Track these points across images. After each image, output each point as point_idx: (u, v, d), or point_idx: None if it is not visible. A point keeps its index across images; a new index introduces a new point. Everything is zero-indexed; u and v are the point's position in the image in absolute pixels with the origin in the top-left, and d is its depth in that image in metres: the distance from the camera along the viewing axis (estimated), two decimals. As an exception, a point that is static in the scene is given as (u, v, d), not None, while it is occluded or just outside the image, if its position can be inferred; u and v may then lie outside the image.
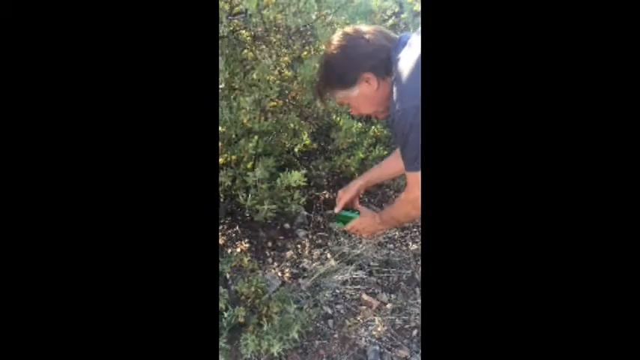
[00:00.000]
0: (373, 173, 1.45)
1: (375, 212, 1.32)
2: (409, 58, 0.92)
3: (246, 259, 1.38)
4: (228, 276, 1.36)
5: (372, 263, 1.73)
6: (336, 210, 1.38)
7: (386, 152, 2.09)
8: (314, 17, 1.54)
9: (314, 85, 1.16)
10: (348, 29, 1.04)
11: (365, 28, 1.04)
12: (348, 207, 1.39)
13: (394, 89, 0.95)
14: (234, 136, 1.49)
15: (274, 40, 1.67)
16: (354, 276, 1.62)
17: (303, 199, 1.41)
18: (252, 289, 1.26)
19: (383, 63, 1.00)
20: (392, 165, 1.38)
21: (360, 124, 1.80)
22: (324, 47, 1.10)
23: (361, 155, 1.80)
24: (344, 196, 1.38)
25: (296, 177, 1.21)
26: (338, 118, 1.91)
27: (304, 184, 1.28)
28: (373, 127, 2.09)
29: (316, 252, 1.80)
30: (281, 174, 1.34)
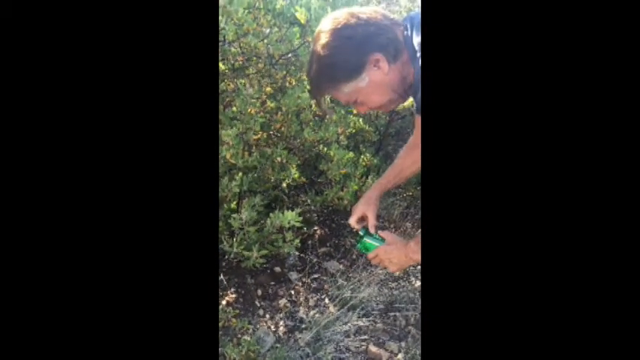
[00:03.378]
0: (389, 177, 1.20)
1: (404, 241, 1.06)
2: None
3: (234, 319, 1.18)
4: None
5: (375, 307, 1.55)
6: (350, 221, 1.13)
7: (380, 182, 1.98)
8: (297, 44, 1.45)
9: (311, 88, 0.90)
10: (340, 13, 0.84)
11: (359, 9, 0.85)
12: (366, 228, 1.11)
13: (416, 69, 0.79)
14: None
15: (255, 70, 1.56)
16: (358, 324, 1.43)
17: (297, 241, 1.24)
18: (244, 352, 1.05)
19: (391, 42, 0.83)
20: (408, 161, 1.12)
21: (351, 154, 1.67)
22: (313, 41, 0.86)
23: (355, 187, 1.66)
24: (358, 209, 1.14)
25: (290, 217, 1.05)
26: (325, 149, 1.79)
27: (299, 224, 1.12)
28: (362, 156, 1.98)
29: (313, 298, 1.61)
30: (271, 214, 1.18)
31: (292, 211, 1.13)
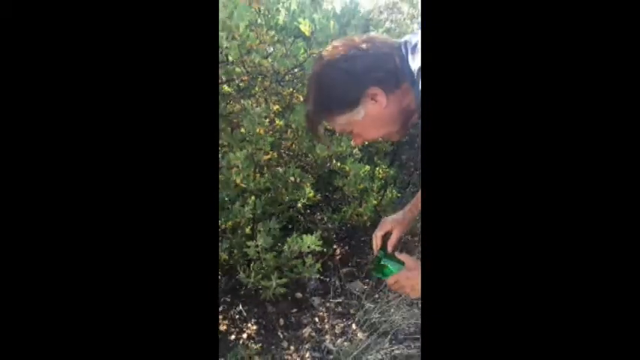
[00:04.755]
0: (407, 214, 1.08)
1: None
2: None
3: (257, 357, 1.08)
4: (235, 382, 1.05)
5: (407, 330, 1.43)
6: (376, 234, 1.03)
7: (400, 194, 1.88)
8: (302, 58, 1.39)
9: (306, 115, 0.88)
10: (338, 42, 0.83)
11: (357, 37, 0.83)
12: (385, 249, 1.00)
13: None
14: (226, 199, 1.25)
15: (261, 89, 1.50)
16: (391, 351, 1.31)
17: (318, 265, 1.15)
18: (269, 395, 0.95)
19: (390, 74, 0.81)
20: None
21: (367, 167, 1.59)
22: (312, 67, 0.85)
23: (374, 202, 1.57)
24: (387, 223, 1.05)
25: (309, 242, 0.96)
26: (339, 164, 1.71)
27: (319, 247, 1.03)
28: (377, 167, 1.89)
29: (339, 324, 1.50)
30: (288, 239, 1.09)
31: (311, 234, 1.04)
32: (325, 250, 1.77)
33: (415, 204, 1.07)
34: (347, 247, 1.98)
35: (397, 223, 1.03)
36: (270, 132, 1.49)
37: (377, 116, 0.82)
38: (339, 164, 1.74)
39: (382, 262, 0.98)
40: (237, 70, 1.45)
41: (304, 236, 1.01)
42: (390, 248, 1.01)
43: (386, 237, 1.04)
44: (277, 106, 1.66)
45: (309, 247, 0.99)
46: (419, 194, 1.10)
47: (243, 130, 1.32)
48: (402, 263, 0.95)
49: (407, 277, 0.92)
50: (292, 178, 1.42)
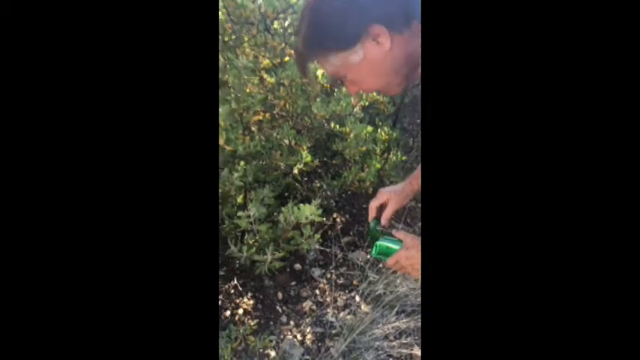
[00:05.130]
0: (405, 188, 0.98)
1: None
2: None
3: (252, 337, 0.98)
4: (230, 365, 0.96)
5: (415, 301, 1.34)
6: (371, 205, 0.93)
7: (405, 157, 1.74)
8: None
9: (295, 50, 0.74)
10: None
11: None
12: (378, 219, 0.91)
13: None
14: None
15: (248, 37, 1.32)
16: (398, 325, 1.22)
17: (318, 236, 1.03)
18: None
19: (399, 10, 0.67)
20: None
21: (370, 127, 1.43)
22: None
23: (377, 165, 1.43)
24: (384, 193, 0.94)
25: (307, 211, 0.83)
26: (338, 127, 1.55)
27: (320, 218, 0.90)
28: (379, 130, 1.74)
29: (341, 296, 1.41)
30: (284, 209, 0.96)
31: (308, 202, 0.91)
32: (325, 219, 1.66)
33: (417, 176, 0.95)
34: (347, 216, 1.87)
35: (395, 195, 0.92)
36: (262, 91, 1.32)
37: (377, 61, 0.68)
38: (338, 127, 1.58)
39: (379, 242, 0.86)
40: (220, 16, 1.26)
41: (302, 205, 0.88)
42: (383, 221, 0.90)
43: (382, 209, 0.92)
44: (267, 61, 1.48)
45: (307, 217, 0.86)
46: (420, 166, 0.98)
47: (228, 79, 1.15)
48: (400, 241, 0.84)
49: (406, 257, 0.82)
50: (287, 141, 1.27)
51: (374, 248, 0.88)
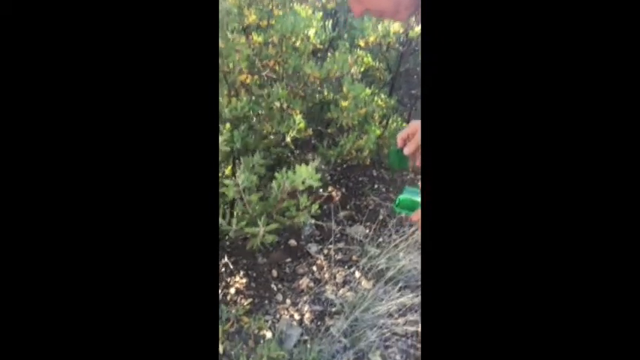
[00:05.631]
0: None
1: None
2: None
3: (245, 317, 0.88)
4: (222, 349, 0.86)
5: (417, 275, 1.26)
6: (406, 150, 0.79)
7: (405, 124, 1.62)
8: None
9: None
10: None
11: None
12: (400, 150, 0.78)
13: None
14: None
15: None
16: (403, 301, 1.14)
17: (316, 206, 0.92)
18: (264, 362, 0.76)
19: None
20: None
21: (368, 90, 1.31)
22: None
23: (377, 132, 1.31)
24: (414, 125, 0.80)
25: (304, 174, 0.71)
26: (332, 95, 1.42)
27: (318, 182, 0.79)
28: (376, 97, 1.62)
29: (340, 272, 1.32)
30: (277, 174, 0.84)
31: (304, 165, 0.79)
32: (322, 190, 1.55)
33: None
34: (344, 189, 1.77)
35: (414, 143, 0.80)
36: (249, 47, 1.17)
37: None
38: (332, 95, 1.45)
39: (404, 197, 0.76)
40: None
41: (297, 167, 0.76)
42: (406, 150, 0.78)
43: (408, 139, 0.80)
44: (254, 17, 1.33)
45: (304, 182, 0.74)
46: None
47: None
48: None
49: None
50: (278, 104, 1.14)
51: (396, 202, 0.77)
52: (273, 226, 0.87)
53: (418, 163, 0.81)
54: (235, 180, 0.85)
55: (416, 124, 0.81)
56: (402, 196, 0.74)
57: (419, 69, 2.29)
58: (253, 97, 1.10)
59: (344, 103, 1.30)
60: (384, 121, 1.54)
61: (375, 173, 1.89)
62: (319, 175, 0.79)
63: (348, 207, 1.64)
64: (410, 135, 0.80)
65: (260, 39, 1.31)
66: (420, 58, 2.61)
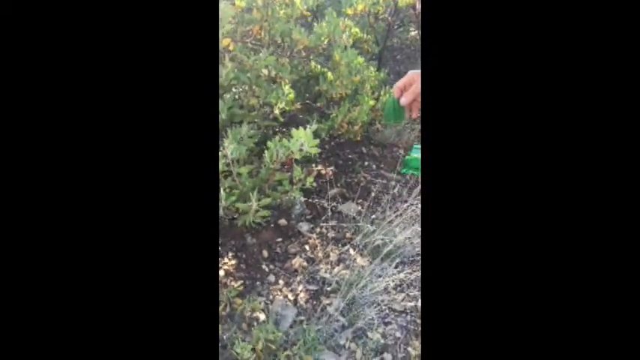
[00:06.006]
0: None
1: None
2: None
3: (238, 299, 0.82)
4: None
5: (413, 250, 1.22)
6: (403, 100, 0.74)
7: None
8: None
9: None
10: None
11: None
12: (397, 100, 0.73)
13: None
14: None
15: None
16: (400, 277, 1.10)
17: (311, 179, 0.85)
18: (260, 345, 0.70)
19: None
20: None
21: (361, 58, 1.23)
22: None
23: (370, 102, 1.24)
24: (414, 73, 0.75)
25: (303, 137, 0.64)
26: (320, 68, 1.34)
27: (316, 150, 0.72)
28: (365, 70, 1.54)
29: (334, 251, 1.27)
30: (269, 142, 0.77)
31: (301, 128, 0.72)
32: (314, 165, 1.49)
33: None
34: (333, 167, 1.71)
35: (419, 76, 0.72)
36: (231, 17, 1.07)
37: None
38: (320, 68, 1.37)
39: (412, 156, 0.70)
40: None
41: (294, 131, 0.69)
42: (403, 99, 0.73)
43: (405, 90, 0.74)
44: (236, -22, 1.22)
45: (301, 148, 0.67)
46: None
47: None
48: None
49: None
50: (265, 71, 1.05)
51: (404, 163, 0.71)
52: (267, 200, 0.80)
53: (415, 115, 0.77)
54: (224, 151, 0.77)
55: (413, 74, 0.75)
56: (409, 157, 0.69)
57: (404, 46, 2.23)
58: (238, 64, 1.01)
59: (332, 76, 1.23)
60: (376, 94, 1.48)
61: (364, 150, 1.84)
62: (317, 141, 0.72)
63: (339, 184, 1.59)
64: (407, 85, 0.75)
65: (243, 4, 1.21)
66: (408, 34, 2.54)
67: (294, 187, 0.88)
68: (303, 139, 0.67)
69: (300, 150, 0.71)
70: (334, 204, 1.43)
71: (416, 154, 0.72)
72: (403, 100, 0.73)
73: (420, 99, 0.77)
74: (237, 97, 1.05)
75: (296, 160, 0.78)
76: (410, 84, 0.75)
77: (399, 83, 0.75)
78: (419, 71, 0.75)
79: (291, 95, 1.15)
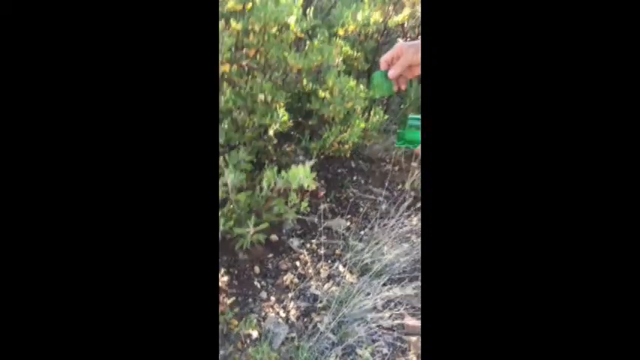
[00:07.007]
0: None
1: None
2: None
3: (235, 321, 0.85)
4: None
5: (401, 268, 1.28)
6: (391, 73, 0.74)
7: (387, 117, 1.62)
8: None
9: None
10: None
11: None
12: (385, 72, 0.74)
13: None
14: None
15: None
16: (388, 294, 1.15)
17: (305, 204, 0.90)
18: (257, 365, 0.74)
19: None
20: None
21: (353, 82, 1.29)
22: None
23: (361, 125, 1.30)
24: (400, 47, 0.74)
25: (302, 173, 0.69)
26: (312, 85, 1.38)
27: (314, 183, 0.76)
28: (355, 88, 1.60)
29: (324, 267, 1.31)
30: (267, 170, 0.81)
31: (284, 168, 0.76)
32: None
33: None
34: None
35: (411, 49, 0.72)
36: (228, 33, 1.11)
37: None
38: (312, 86, 1.41)
39: (409, 128, 0.70)
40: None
41: (294, 168, 0.73)
42: (391, 72, 0.73)
43: (392, 63, 0.74)
44: (232, 2, 1.25)
45: (299, 182, 0.72)
46: None
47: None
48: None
49: None
50: (262, 97, 1.09)
51: (399, 136, 0.72)
52: (264, 226, 0.84)
53: (403, 87, 0.76)
54: (224, 179, 0.80)
55: (401, 46, 0.75)
56: (403, 129, 0.68)
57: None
58: (235, 89, 1.05)
59: (324, 95, 1.28)
60: (366, 114, 1.53)
61: (353, 165, 1.89)
62: (314, 174, 0.77)
63: (328, 200, 1.63)
64: (394, 58, 0.74)
65: (239, 26, 1.24)
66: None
67: (289, 209, 0.92)
68: (302, 175, 0.72)
69: (298, 184, 0.75)
70: (323, 220, 1.47)
71: (413, 123, 0.71)
72: (391, 73, 0.72)
73: (407, 72, 0.74)
74: (233, 120, 1.08)
75: (294, 189, 0.82)
76: (397, 56, 0.74)
77: (387, 56, 0.73)
78: (406, 43, 0.75)
79: (286, 117, 1.19)
